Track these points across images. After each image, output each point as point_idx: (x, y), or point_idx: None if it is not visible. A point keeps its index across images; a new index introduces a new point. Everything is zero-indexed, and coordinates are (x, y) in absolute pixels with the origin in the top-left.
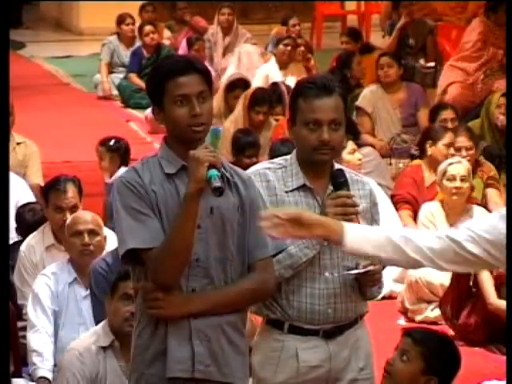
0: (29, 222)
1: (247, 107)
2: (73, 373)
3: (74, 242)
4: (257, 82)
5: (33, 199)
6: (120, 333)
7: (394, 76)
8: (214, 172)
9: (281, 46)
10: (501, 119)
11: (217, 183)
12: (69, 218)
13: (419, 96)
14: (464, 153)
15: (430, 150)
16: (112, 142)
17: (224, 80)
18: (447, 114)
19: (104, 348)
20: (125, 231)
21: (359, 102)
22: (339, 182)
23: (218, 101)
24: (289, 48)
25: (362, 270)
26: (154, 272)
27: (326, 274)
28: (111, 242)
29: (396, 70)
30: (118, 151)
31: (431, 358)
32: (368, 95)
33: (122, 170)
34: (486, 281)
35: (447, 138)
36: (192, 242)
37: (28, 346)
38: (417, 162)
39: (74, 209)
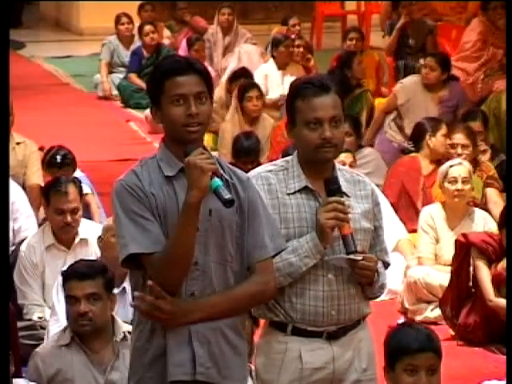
0: None
1: (238, 98)
2: (30, 373)
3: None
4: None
5: (26, 200)
6: (75, 332)
7: (433, 80)
8: (219, 182)
9: (282, 48)
10: None
11: (227, 195)
12: (69, 218)
13: (460, 96)
14: (459, 150)
15: (431, 142)
16: (59, 159)
17: (224, 80)
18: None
19: (67, 345)
20: (126, 236)
21: (396, 87)
22: (331, 188)
23: (219, 92)
24: (290, 49)
25: (346, 257)
26: (155, 278)
27: (330, 275)
28: None
29: (437, 75)
30: (71, 165)
31: (440, 352)
32: (407, 86)
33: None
34: (485, 277)
35: (444, 128)
36: (193, 249)
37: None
38: (412, 154)
39: (74, 211)
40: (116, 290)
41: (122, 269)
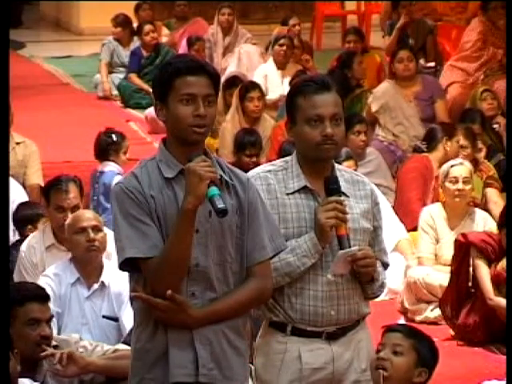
0: (27, 216)
1: (240, 98)
2: None
3: (79, 240)
4: None
5: (26, 199)
6: (32, 359)
7: (414, 70)
8: (215, 191)
9: (276, 47)
10: (486, 108)
11: (221, 204)
12: (69, 216)
13: (435, 88)
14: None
15: (448, 146)
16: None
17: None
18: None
19: None
20: (123, 239)
21: (369, 100)
22: (331, 188)
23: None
24: (284, 48)
25: (342, 252)
26: (152, 282)
27: (329, 275)
28: (111, 239)
29: (415, 64)
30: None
31: (422, 350)
32: (378, 94)
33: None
34: (485, 276)
35: (459, 135)
36: (189, 254)
37: None
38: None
39: (75, 209)
40: (96, 286)
41: (94, 265)
